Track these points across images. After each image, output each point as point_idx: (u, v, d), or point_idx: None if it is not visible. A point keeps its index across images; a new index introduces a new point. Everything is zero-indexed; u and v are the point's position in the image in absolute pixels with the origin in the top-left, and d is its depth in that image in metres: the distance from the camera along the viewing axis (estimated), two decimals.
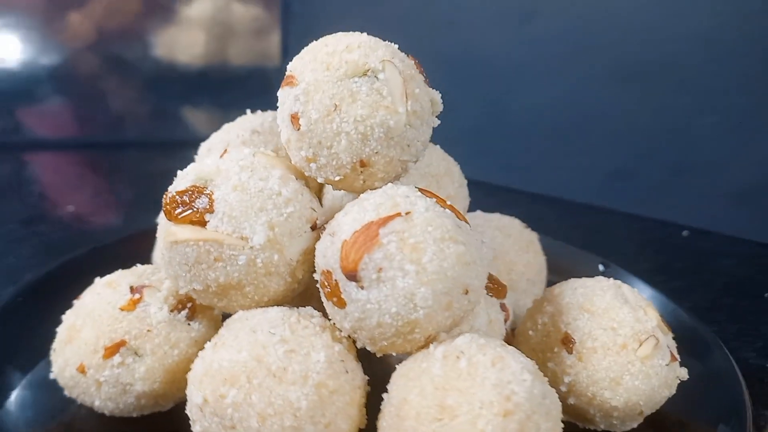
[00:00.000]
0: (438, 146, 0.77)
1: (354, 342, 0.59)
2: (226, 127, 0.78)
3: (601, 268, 0.96)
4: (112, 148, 1.92)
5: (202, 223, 0.58)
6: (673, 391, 0.65)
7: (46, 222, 1.35)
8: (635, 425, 0.66)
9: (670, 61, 1.36)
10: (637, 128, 1.46)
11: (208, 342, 0.65)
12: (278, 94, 0.63)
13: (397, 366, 0.58)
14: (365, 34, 0.63)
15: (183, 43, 1.98)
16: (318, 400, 0.53)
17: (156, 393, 0.62)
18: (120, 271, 0.68)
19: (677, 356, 0.65)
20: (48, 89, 1.83)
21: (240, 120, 0.78)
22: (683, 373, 0.65)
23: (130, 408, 0.63)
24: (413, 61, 0.63)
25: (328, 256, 0.57)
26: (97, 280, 0.68)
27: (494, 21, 1.59)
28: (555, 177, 1.60)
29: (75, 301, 0.67)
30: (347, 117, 0.57)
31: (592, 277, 0.93)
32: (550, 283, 0.86)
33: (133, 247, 0.94)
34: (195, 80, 2.00)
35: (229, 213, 0.57)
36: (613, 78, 1.45)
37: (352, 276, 0.54)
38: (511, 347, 0.56)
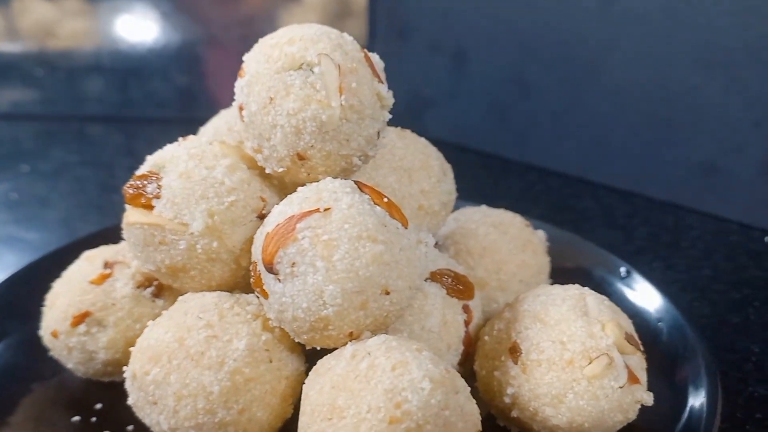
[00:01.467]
0: (423, 139, 0.75)
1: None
2: (223, 113, 0.81)
3: (623, 273, 0.89)
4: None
5: (150, 207, 0.61)
6: (632, 417, 0.60)
7: None
8: None
9: (763, 47, 1.22)
10: (726, 120, 1.32)
11: None
12: (235, 84, 0.64)
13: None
14: (318, 26, 0.62)
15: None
16: (231, 386, 0.55)
17: (120, 362, 0.67)
18: (104, 247, 0.73)
19: (641, 379, 0.60)
20: (161, 68, 1.97)
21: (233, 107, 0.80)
22: (647, 398, 0.60)
23: (100, 373, 0.69)
24: (362, 55, 0.62)
25: (256, 246, 0.58)
26: (84, 253, 0.73)
27: (574, 1, 1.50)
28: (633, 170, 1.49)
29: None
30: (281, 110, 0.58)
31: (607, 282, 0.89)
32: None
33: None
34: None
35: (172, 199, 0.60)
36: (703, 64, 1.32)
37: (270, 268, 0.55)
38: (427, 353, 0.54)
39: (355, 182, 0.59)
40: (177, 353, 0.56)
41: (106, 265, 0.69)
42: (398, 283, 0.55)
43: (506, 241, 0.79)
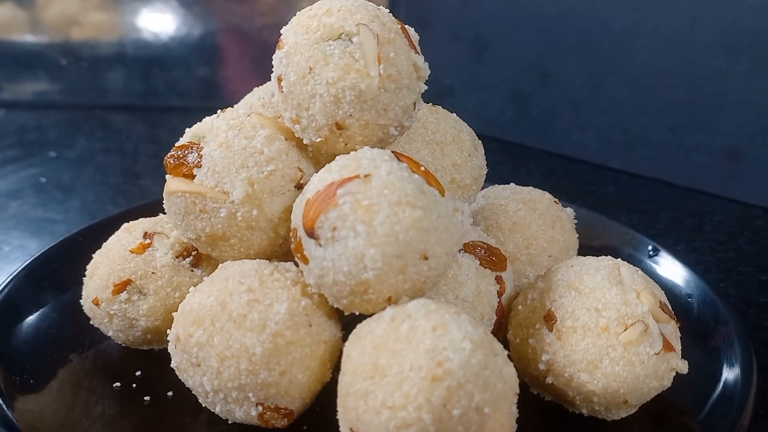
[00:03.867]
0: (454, 114, 0.76)
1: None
2: (256, 90, 0.82)
3: (650, 250, 0.90)
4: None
5: (191, 176, 0.62)
6: (667, 384, 0.60)
7: (152, 177, 1.48)
8: (623, 415, 0.62)
9: None
10: (751, 104, 1.32)
11: None
12: (273, 57, 0.65)
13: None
14: None
15: None
16: (273, 348, 0.56)
17: (159, 329, 0.69)
18: (143, 219, 0.75)
19: (676, 347, 0.61)
20: (184, 58, 1.98)
21: (267, 84, 0.82)
22: (682, 366, 0.61)
23: (139, 341, 0.70)
24: (399, 26, 0.62)
25: (296, 213, 0.59)
26: (124, 225, 0.75)
27: None
28: (656, 155, 1.49)
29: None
30: (320, 79, 0.59)
31: (636, 260, 0.89)
32: None
33: None
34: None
35: (213, 168, 0.61)
36: (727, 48, 1.32)
37: (311, 233, 0.56)
38: (465, 316, 0.55)
39: (393, 152, 0.60)
40: (220, 316, 0.57)
41: (146, 235, 0.70)
42: (436, 249, 0.56)
43: (536, 216, 0.80)
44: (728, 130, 1.36)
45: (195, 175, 0.62)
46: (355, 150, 0.62)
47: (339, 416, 0.55)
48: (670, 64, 1.41)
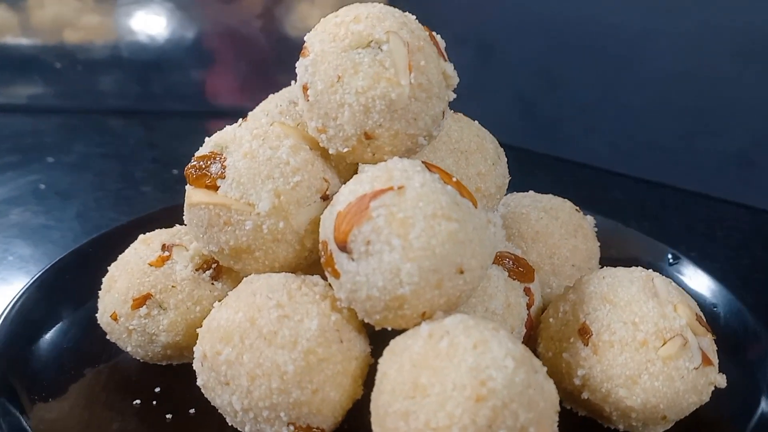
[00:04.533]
0: (476, 122, 0.75)
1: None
2: (270, 97, 0.80)
3: (670, 260, 0.89)
4: (230, 117, 2.02)
5: (214, 188, 0.60)
6: (705, 399, 0.59)
7: (153, 183, 1.46)
8: (660, 431, 0.61)
9: None
10: (760, 110, 1.31)
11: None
12: (296, 64, 0.64)
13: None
14: (380, 4, 0.62)
15: (315, 18, 2.03)
16: (305, 366, 0.55)
17: (180, 345, 0.67)
18: (159, 230, 0.73)
19: (714, 360, 0.59)
20: (181, 61, 1.96)
21: (283, 90, 0.80)
22: (720, 380, 0.59)
23: (159, 356, 0.68)
24: (427, 33, 0.61)
25: (326, 226, 0.57)
26: (140, 236, 0.73)
27: None
28: (665, 161, 1.48)
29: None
30: (349, 88, 0.57)
31: (657, 267, 0.88)
32: None
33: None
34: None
35: (237, 179, 0.59)
36: (739, 54, 1.31)
37: (343, 247, 0.54)
38: (504, 332, 0.53)
39: (423, 162, 0.58)
40: (249, 333, 0.55)
41: (164, 247, 0.68)
42: (471, 262, 0.54)
43: (558, 225, 0.79)
44: (739, 135, 1.35)
45: (219, 187, 0.60)
46: (383, 160, 0.61)
47: None
48: (680, 70, 1.41)
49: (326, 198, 0.62)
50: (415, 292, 0.53)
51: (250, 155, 0.60)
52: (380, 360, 0.56)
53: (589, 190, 1.46)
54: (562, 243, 0.78)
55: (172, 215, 0.96)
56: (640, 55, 1.47)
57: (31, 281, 0.76)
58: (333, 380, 0.56)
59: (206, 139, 0.67)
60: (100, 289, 0.72)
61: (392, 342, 0.56)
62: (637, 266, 0.88)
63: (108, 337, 0.70)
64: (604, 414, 0.61)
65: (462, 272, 0.54)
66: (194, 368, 0.59)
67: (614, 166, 1.56)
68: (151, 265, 0.67)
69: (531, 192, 0.86)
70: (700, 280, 0.82)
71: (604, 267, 0.67)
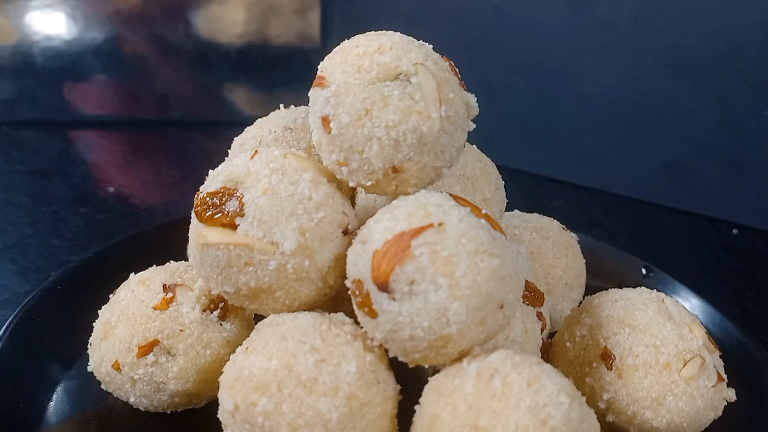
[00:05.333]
0: (474, 146, 0.75)
1: (386, 350, 0.58)
2: (259, 122, 0.77)
3: (644, 272, 0.93)
4: (155, 128, 1.93)
5: (233, 227, 0.57)
6: (719, 413, 0.62)
7: (90, 203, 1.37)
8: None
9: (731, 50, 1.30)
10: (693, 120, 1.40)
11: (240, 345, 0.65)
12: (309, 94, 0.61)
13: (429, 378, 0.56)
14: (398, 33, 0.61)
15: (225, 21, 1.97)
16: (349, 412, 0.53)
17: (189, 392, 0.63)
18: (154, 267, 0.68)
19: (724, 376, 0.63)
20: (94, 67, 1.85)
21: (273, 115, 0.77)
22: (731, 395, 0.63)
23: (164, 405, 0.64)
24: (447, 63, 0.60)
25: (359, 264, 0.55)
26: (132, 276, 0.68)
27: (543, 6, 1.54)
28: (603, 169, 1.55)
29: (111, 296, 0.67)
30: (379, 122, 0.55)
31: (634, 281, 0.92)
32: (591, 288, 0.83)
33: (169, 235, 0.95)
34: (236, 60, 2.00)
35: (259, 217, 0.56)
36: (669, 67, 1.39)
37: (384, 287, 0.52)
38: (548, 365, 0.54)
39: (450, 195, 0.58)
40: (287, 381, 0.53)
41: (166, 288, 0.64)
42: (510, 297, 0.55)
43: (550, 245, 0.81)
44: (672, 144, 1.43)
45: (238, 225, 0.57)
46: (407, 192, 0.60)
47: None
48: (615, 83, 1.48)
49: (347, 232, 0.60)
50: (461, 331, 0.52)
51: (271, 191, 0.57)
52: (423, 401, 0.55)
53: (535, 199, 1.51)
54: (555, 262, 0.79)
55: (140, 244, 0.92)
56: (576, 67, 1.53)
57: (4, 330, 0.69)
58: (375, 424, 0.54)
59: (210, 172, 0.63)
60: (79, 333, 0.67)
61: (434, 382, 0.55)
62: (613, 279, 0.92)
63: (105, 387, 0.64)
64: None
65: (502, 307, 0.54)
66: (221, 419, 0.56)
67: (555, 174, 1.61)
68: (155, 309, 0.62)
69: (516, 211, 0.87)
70: (678, 292, 0.86)
71: (611, 289, 0.69)
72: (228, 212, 0.57)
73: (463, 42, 1.68)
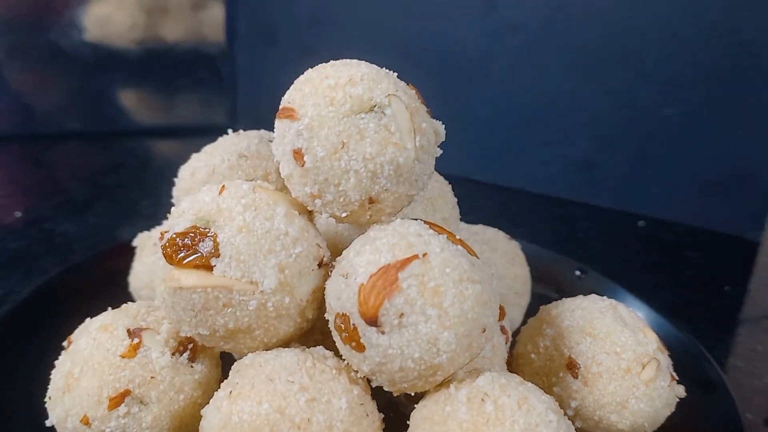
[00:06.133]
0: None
1: (368, 381, 0.59)
2: (209, 149, 0.75)
3: (578, 273, 0.98)
4: (51, 141, 1.82)
5: (209, 268, 0.55)
6: (672, 410, 0.67)
7: None
8: None
9: (633, 52, 1.39)
10: (600, 119, 1.49)
11: (210, 386, 0.63)
12: (276, 124, 0.60)
13: (417, 406, 0.57)
14: (364, 63, 0.61)
15: (115, 22, 1.87)
16: None
17: None
18: (112, 311, 0.65)
19: (675, 375, 0.67)
20: None
21: (223, 142, 0.75)
22: (681, 391, 0.68)
23: None
24: (414, 91, 0.61)
25: (343, 299, 0.55)
26: (89, 321, 0.64)
27: (455, 10, 1.58)
28: (517, 169, 1.61)
29: (66, 344, 0.64)
30: (356, 155, 0.56)
31: (570, 283, 0.97)
32: (532, 292, 0.87)
33: (106, 265, 0.90)
34: (137, 67, 1.91)
35: (236, 257, 0.55)
36: (576, 69, 1.47)
37: (373, 321, 0.53)
38: (530, 384, 0.56)
39: (425, 222, 0.59)
40: (281, 425, 0.52)
41: (131, 333, 0.61)
42: (491, 320, 0.56)
43: (499, 256, 0.84)
44: (581, 142, 1.52)
45: (213, 266, 0.55)
46: (379, 221, 0.60)
47: None
48: (526, 85, 1.54)
49: (322, 265, 0.60)
50: (451, 359, 0.54)
51: (247, 229, 0.56)
52: (415, 429, 0.55)
53: (459, 200, 1.54)
54: (505, 272, 0.82)
55: (76, 281, 0.87)
56: (487, 70, 1.58)
57: None
58: None
59: (172, 210, 0.61)
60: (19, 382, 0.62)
61: (424, 410, 0.56)
62: (550, 282, 0.96)
63: None
64: None
65: (485, 330, 0.56)
66: None
67: (468, 174, 1.66)
68: (123, 357, 0.59)
69: (462, 224, 0.90)
70: (615, 293, 0.92)
71: (564, 299, 0.72)
72: (202, 253, 0.55)
73: (373, 45, 1.70)
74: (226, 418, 0.53)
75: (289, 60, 1.88)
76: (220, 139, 0.76)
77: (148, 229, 0.89)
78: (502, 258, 0.84)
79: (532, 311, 0.80)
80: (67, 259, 1.10)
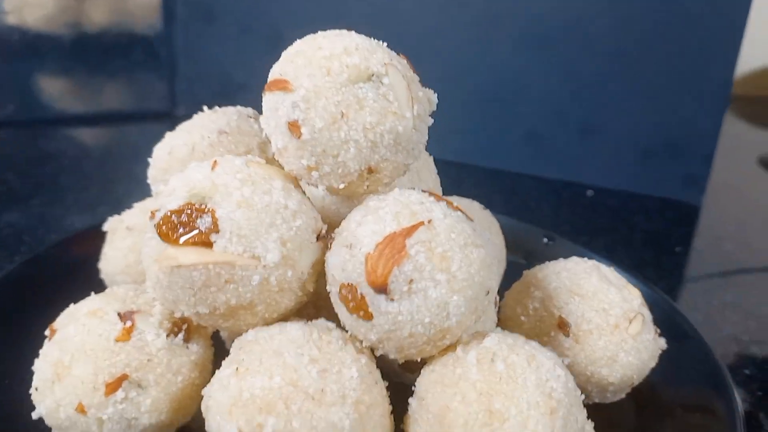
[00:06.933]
0: None
1: (372, 351, 0.59)
2: (186, 126, 0.72)
3: (545, 240, 1.01)
4: None
5: (208, 245, 0.54)
6: (656, 361, 0.70)
7: None
8: (624, 395, 0.71)
9: (576, 25, 1.43)
10: (545, 92, 1.52)
11: (206, 367, 0.62)
12: (266, 97, 0.59)
13: (423, 371, 0.58)
14: (354, 33, 0.61)
15: (41, 5, 1.78)
16: (359, 418, 0.53)
17: (162, 424, 0.59)
18: (97, 296, 0.62)
19: (657, 329, 0.71)
20: None
21: (199, 119, 0.73)
22: (662, 344, 0.71)
23: None
24: (405, 61, 0.61)
25: (348, 270, 0.55)
26: (73, 307, 0.62)
27: None
28: (466, 144, 1.63)
29: (48, 333, 0.61)
30: (355, 125, 0.55)
31: (539, 250, 0.99)
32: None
33: (70, 254, 0.87)
34: (70, 51, 1.82)
35: (237, 232, 0.54)
36: (521, 43, 1.49)
37: (382, 289, 0.53)
38: (534, 342, 0.58)
39: (422, 191, 0.59)
40: (295, 397, 0.51)
41: (123, 317, 0.59)
42: (493, 283, 0.58)
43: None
44: (528, 115, 1.55)
45: (213, 242, 0.54)
46: (376, 192, 0.60)
47: None
48: (473, 60, 1.56)
49: (320, 238, 0.60)
50: (460, 322, 0.54)
51: (246, 204, 0.55)
52: (425, 394, 0.56)
53: None
54: None
55: (39, 269, 0.82)
56: (433, 45, 1.59)
57: None
58: (380, 424, 0.55)
59: (162, 188, 0.59)
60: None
61: (432, 374, 0.56)
62: (519, 250, 0.99)
63: None
64: (583, 392, 0.68)
65: (488, 293, 0.57)
66: None
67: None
68: (117, 341, 0.57)
69: None
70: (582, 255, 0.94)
71: (550, 261, 0.74)
72: (201, 230, 0.54)
73: (315, 22, 1.67)
74: (236, 394, 0.52)
75: (228, 38, 1.84)
76: (196, 117, 0.74)
77: (101, 217, 0.84)
78: (479, 227, 0.85)
79: (505, 279, 0.82)
80: (19, 251, 1.04)
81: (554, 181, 1.55)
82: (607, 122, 1.48)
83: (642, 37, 1.39)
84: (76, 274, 0.81)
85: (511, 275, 0.80)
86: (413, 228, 0.54)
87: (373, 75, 0.56)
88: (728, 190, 1.58)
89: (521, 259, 0.99)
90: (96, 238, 0.83)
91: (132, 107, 1.93)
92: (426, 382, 0.57)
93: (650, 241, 1.29)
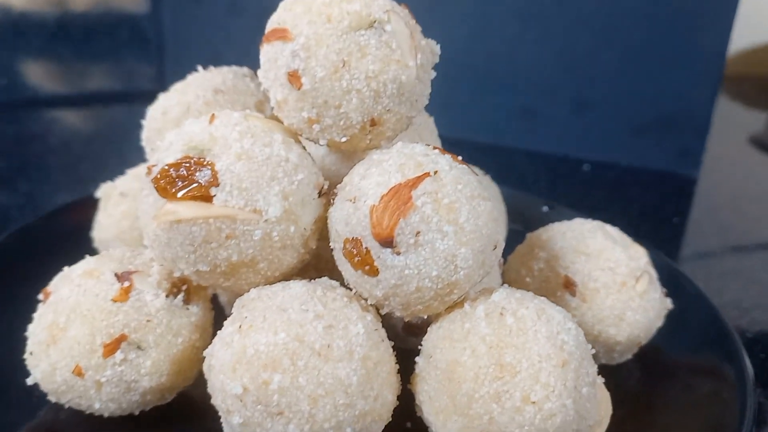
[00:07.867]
0: None
1: (378, 310, 0.57)
2: (179, 87, 0.70)
3: (545, 209, 1.00)
4: None
5: (208, 198, 0.52)
6: (663, 321, 0.69)
7: None
8: (630, 356, 0.70)
9: (570, 1, 1.41)
10: (538, 67, 1.50)
11: (206, 328, 0.61)
12: (264, 49, 0.57)
13: (430, 329, 0.57)
14: None
15: None
16: (366, 374, 0.51)
17: (163, 386, 0.57)
18: (92, 257, 0.60)
19: (664, 289, 0.70)
20: None
21: (194, 79, 0.71)
22: (668, 303, 0.70)
23: (134, 406, 0.58)
24: (407, 10, 0.60)
25: (353, 223, 0.53)
26: (67, 269, 0.60)
27: None
28: (460, 119, 1.61)
29: (42, 296, 0.59)
30: (358, 73, 0.53)
31: (538, 218, 0.98)
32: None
33: (62, 223, 0.84)
34: (55, 31, 1.78)
35: (238, 185, 0.52)
36: (516, 18, 1.48)
37: (388, 242, 0.51)
38: (543, 298, 0.56)
39: (426, 144, 0.58)
40: (300, 352, 0.50)
41: (120, 277, 0.57)
42: (500, 237, 0.56)
43: None
44: (522, 90, 1.54)
45: (213, 196, 0.52)
46: (378, 146, 0.59)
47: (450, 428, 0.53)
48: (466, 35, 1.54)
49: (322, 194, 0.58)
50: (468, 276, 0.53)
51: (246, 156, 0.53)
52: (433, 350, 0.55)
53: None
54: None
55: (31, 239, 0.80)
56: (426, 19, 1.56)
57: None
58: (387, 381, 0.53)
59: (158, 143, 0.57)
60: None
61: (440, 330, 0.55)
62: (518, 218, 0.97)
63: (56, 398, 0.56)
64: None
65: (496, 247, 0.55)
66: (221, 407, 0.52)
67: None
68: (115, 301, 0.55)
69: None
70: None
71: (554, 223, 0.73)
72: (201, 183, 0.52)
73: None
74: (240, 352, 0.51)
75: (217, 17, 1.81)
76: (190, 77, 0.72)
77: (92, 191, 0.82)
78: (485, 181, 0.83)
79: (506, 246, 0.80)
80: (7, 229, 1.02)
81: (550, 155, 1.53)
82: (602, 96, 1.47)
83: (636, 10, 1.38)
84: (68, 243, 0.79)
85: (512, 243, 0.79)
86: (419, 179, 0.52)
87: (375, 22, 0.54)
88: (722, 165, 1.58)
89: (521, 227, 0.98)
90: (89, 207, 0.81)
91: (120, 88, 1.90)
92: (433, 339, 0.55)
93: (647, 214, 1.29)
